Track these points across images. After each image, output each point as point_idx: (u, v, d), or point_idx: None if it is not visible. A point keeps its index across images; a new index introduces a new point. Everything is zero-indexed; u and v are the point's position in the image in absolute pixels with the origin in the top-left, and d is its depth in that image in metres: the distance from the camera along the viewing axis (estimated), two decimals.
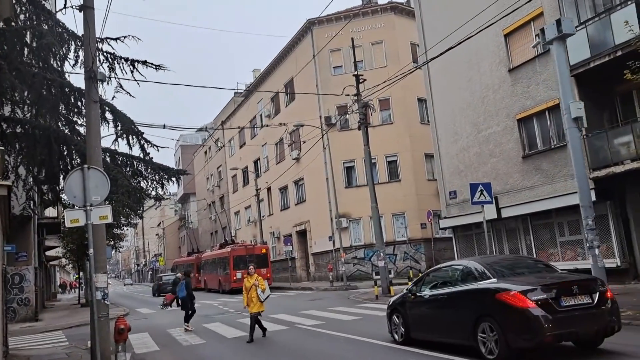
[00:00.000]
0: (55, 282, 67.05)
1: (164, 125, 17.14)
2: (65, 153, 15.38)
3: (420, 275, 11.21)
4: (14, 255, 23.66)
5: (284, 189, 42.97)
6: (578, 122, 12.63)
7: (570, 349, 8.79)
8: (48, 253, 45.88)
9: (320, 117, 35.17)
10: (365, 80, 23.46)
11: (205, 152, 64.36)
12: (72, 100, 15.11)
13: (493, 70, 20.95)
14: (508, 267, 9.08)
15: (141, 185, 16.13)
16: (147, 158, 15.80)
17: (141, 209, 17.12)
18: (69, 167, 15.71)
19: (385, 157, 34.04)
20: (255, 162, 48.45)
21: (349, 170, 35.35)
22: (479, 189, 16.02)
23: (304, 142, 34.51)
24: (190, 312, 17.03)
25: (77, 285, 49.98)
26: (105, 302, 11.34)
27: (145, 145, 15.45)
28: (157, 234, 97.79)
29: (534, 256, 19.85)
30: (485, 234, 16.62)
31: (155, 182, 16.27)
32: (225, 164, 56.63)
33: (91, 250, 10.00)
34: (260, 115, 46.06)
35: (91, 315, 10.85)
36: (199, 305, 28.17)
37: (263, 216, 43.99)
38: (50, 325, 21.70)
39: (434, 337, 9.71)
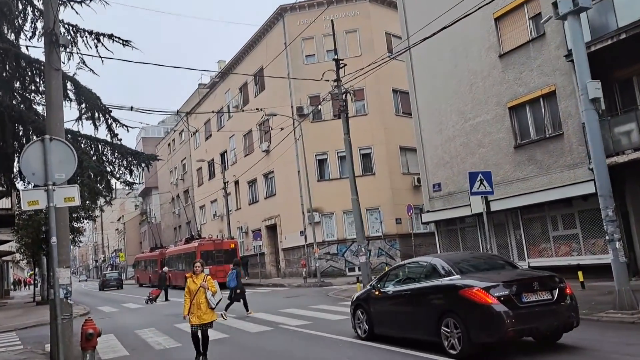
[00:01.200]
0: (8, 278, 63.46)
1: (132, 107, 15.29)
2: (20, 133, 13.40)
3: (385, 271, 11.21)
4: None
5: (252, 182, 41.19)
6: (595, 103, 11.44)
7: (530, 344, 8.81)
8: (0, 247, 43.00)
9: (292, 107, 33.58)
10: (345, 65, 21.99)
11: (169, 145, 61.80)
12: (30, 73, 13.13)
13: (482, 56, 19.76)
14: (472, 264, 9.13)
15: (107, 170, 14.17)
16: (115, 140, 13.87)
17: (110, 195, 15.17)
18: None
19: (359, 149, 32.58)
20: (222, 155, 46.47)
21: (322, 163, 33.85)
22: (479, 179, 14.74)
23: (282, 129, 32.54)
24: (235, 302, 16.66)
25: (33, 282, 47.37)
26: (69, 301, 9.64)
27: (114, 125, 13.54)
28: (117, 229, 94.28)
29: (525, 252, 18.85)
30: (485, 226, 15.32)
31: (123, 168, 14.38)
32: (190, 156, 54.39)
33: (54, 239, 8.29)
34: (228, 107, 44.08)
35: (51, 317, 9.23)
36: (167, 303, 26.40)
37: (230, 210, 42.10)
38: (2, 326, 19.64)
39: (398, 333, 9.69)
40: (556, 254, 17.87)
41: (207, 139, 49.85)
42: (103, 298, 36.79)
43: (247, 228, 41.77)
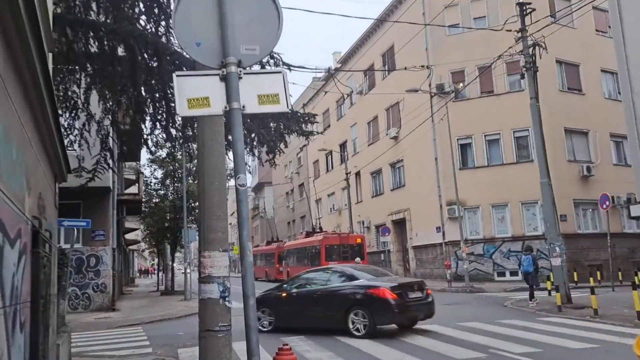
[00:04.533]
0: (134, 267, 63.23)
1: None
2: (154, 80, 9.18)
3: (294, 277, 13.76)
4: (89, 233, 18.96)
5: (376, 173, 36.06)
6: None
7: (395, 330, 11.51)
8: (127, 236, 41.20)
9: (429, 85, 28.02)
10: (533, 10, 16.26)
11: None
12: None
13: None
14: (370, 272, 12.20)
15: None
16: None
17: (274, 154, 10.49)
18: (163, 98, 9.59)
19: (513, 132, 26.57)
20: (342, 146, 41.86)
21: (464, 149, 28.06)
22: None
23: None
24: (534, 287, 15.90)
25: (155, 270, 46.09)
26: (227, 304, 5.39)
27: (270, 63, 8.81)
28: (230, 223, 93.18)
29: None
30: None
31: (272, 132, 9.73)
32: (306, 149, 50.28)
33: (241, 177, 3.36)
34: (350, 94, 39.26)
35: (200, 329, 5.40)
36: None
37: (351, 204, 37.21)
38: (129, 319, 17.00)
39: (302, 324, 11.71)
40: None
41: (325, 130, 45.46)
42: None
43: (370, 222, 36.74)
